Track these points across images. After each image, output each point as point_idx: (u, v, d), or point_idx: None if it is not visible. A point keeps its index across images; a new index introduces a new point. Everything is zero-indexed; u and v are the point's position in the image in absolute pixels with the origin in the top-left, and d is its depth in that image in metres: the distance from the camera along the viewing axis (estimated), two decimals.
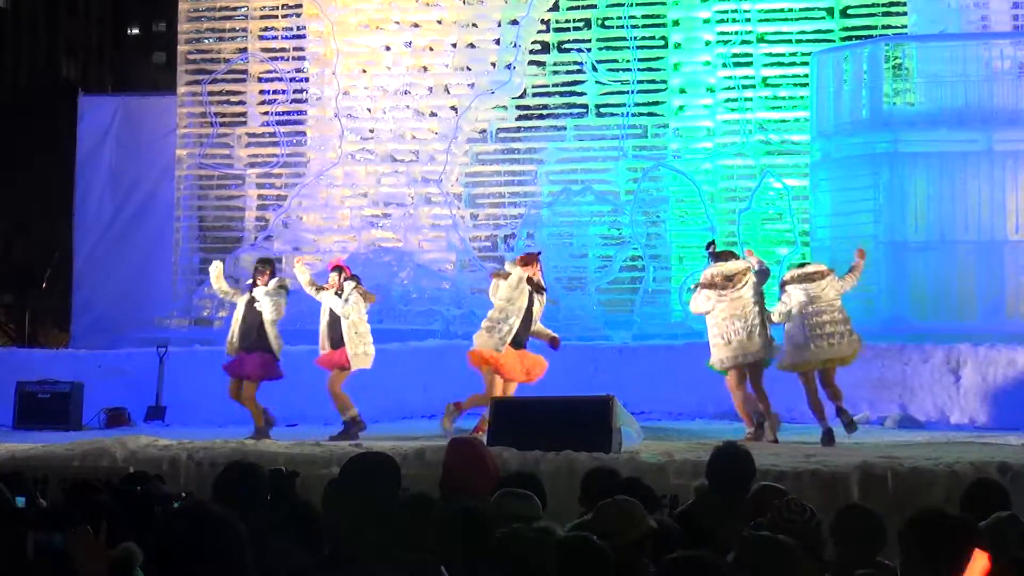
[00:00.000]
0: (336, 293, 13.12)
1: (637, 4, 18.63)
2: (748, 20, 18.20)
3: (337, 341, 13.08)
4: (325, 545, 4.78)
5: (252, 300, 13.20)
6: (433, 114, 19.33)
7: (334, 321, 13.11)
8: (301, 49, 19.81)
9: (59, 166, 25.52)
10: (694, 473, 9.41)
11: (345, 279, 13.20)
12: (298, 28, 19.83)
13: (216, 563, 3.63)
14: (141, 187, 20.50)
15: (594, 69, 18.68)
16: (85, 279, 20.43)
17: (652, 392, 13.75)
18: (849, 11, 18.03)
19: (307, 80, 19.75)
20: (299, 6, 19.71)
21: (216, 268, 13.65)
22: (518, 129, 19.15)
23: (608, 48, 18.76)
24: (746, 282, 12.35)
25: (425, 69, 19.37)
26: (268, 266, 13.48)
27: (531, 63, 18.99)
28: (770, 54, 18.25)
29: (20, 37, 46.99)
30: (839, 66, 16.79)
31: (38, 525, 4.19)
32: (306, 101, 19.76)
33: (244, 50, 19.82)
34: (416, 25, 19.34)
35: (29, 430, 14.87)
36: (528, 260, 12.97)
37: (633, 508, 5.24)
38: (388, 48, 19.43)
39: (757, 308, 12.30)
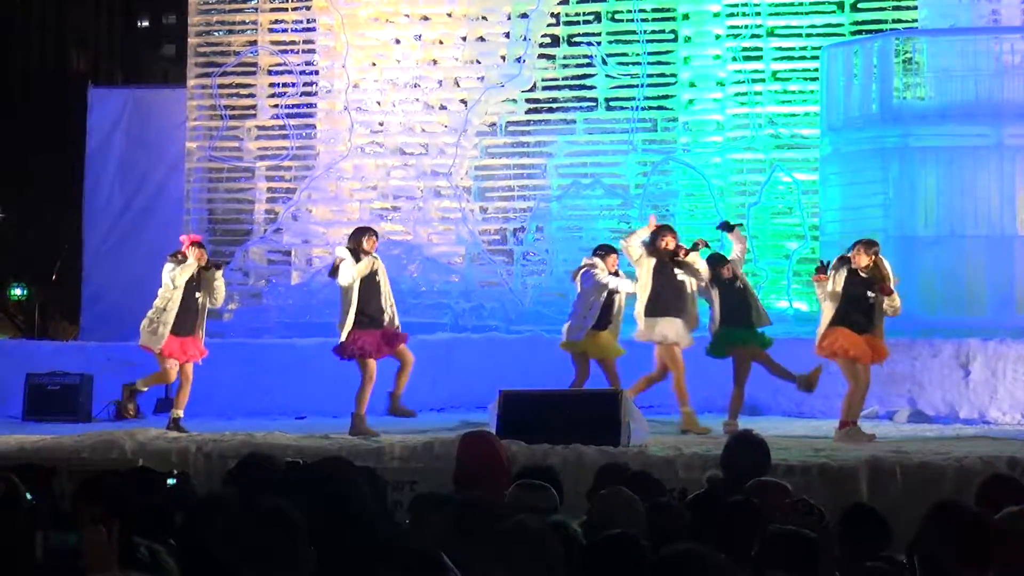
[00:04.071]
0: None
1: None
2: (758, 14, 18.16)
3: None
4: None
5: None
6: (443, 107, 19.31)
7: None
8: (311, 42, 19.79)
9: (68, 159, 25.56)
10: (703, 467, 9.42)
11: None
12: (308, 21, 19.81)
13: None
14: (150, 180, 20.50)
15: (604, 63, 18.65)
16: (94, 271, 20.43)
17: (659, 386, 13.70)
18: (859, 5, 17.99)
19: (317, 73, 19.72)
20: None
21: None
22: (528, 122, 19.12)
23: (618, 42, 18.73)
24: None
25: (435, 62, 19.35)
26: None
27: (541, 56, 18.97)
28: (780, 48, 18.22)
29: (30, 29, 47.03)
30: (849, 60, 16.75)
31: (51, 524, 4.17)
32: (316, 94, 19.74)
33: (254, 43, 19.80)
34: (426, 18, 19.32)
35: (38, 422, 14.90)
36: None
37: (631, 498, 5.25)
38: (398, 41, 19.42)
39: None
